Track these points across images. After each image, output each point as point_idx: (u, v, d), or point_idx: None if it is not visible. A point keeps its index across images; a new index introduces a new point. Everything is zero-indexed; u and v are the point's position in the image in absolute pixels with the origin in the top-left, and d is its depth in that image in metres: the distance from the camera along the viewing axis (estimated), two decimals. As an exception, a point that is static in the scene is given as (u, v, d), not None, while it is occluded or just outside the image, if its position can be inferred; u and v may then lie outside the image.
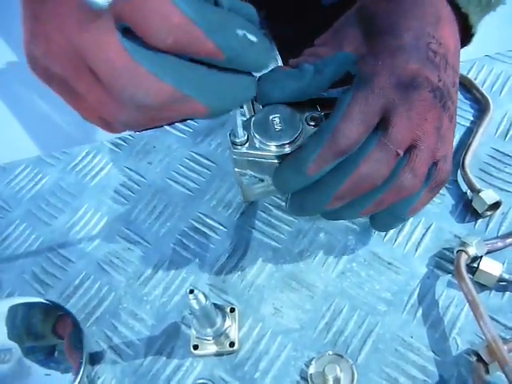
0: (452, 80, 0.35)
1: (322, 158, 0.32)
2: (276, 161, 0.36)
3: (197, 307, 0.36)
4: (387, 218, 0.37)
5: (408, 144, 0.33)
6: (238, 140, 0.35)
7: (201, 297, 0.36)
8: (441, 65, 0.34)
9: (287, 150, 0.35)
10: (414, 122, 0.33)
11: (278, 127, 0.36)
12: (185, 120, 0.56)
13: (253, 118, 0.36)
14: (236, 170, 0.38)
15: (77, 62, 0.25)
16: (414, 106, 0.32)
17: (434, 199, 0.46)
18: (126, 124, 0.28)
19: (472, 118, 0.52)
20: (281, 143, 0.35)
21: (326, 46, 0.36)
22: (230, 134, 0.36)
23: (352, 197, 0.34)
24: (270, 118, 0.36)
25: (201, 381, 0.39)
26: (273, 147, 0.35)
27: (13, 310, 0.41)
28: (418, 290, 0.42)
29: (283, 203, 0.48)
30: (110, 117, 0.28)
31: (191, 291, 0.35)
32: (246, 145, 0.36)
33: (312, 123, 0.36)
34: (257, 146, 0.36)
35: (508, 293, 0.41)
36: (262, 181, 0.38)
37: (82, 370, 0.38)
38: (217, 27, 0.25)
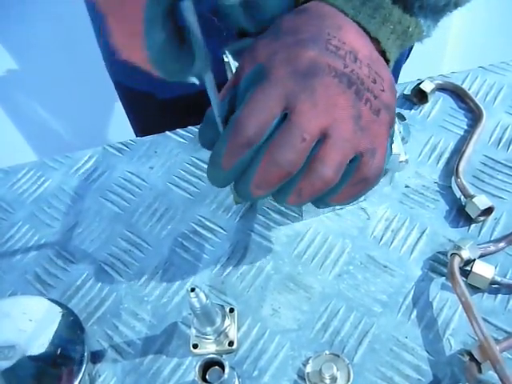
0: (372, 78, 0.34)
1: (231, 151, 0.33)
2: None
3: (197, 305, 0.37)
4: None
5: (318, 131, 0.32)
6: None
7: (202, 295, 0.37)
8: (347, 57, 0.34)
9: None
10: (321, 107, 0.32)
11: None
12: (186, 126, 0.57)
13: None
14: None
15: None
16: (316, 91, 0.32)
17: (429, 204, 0.48)
18: None
19: (466, 127, 0.53)
20: None
21: (241, 69, 0.36)
22: None
23: (270, 184, 0.33)
24: None
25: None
26: None
27: (17, 308, 0.41)
28: (412, 292, 0.43)
29: (282, 207, 0.49)
30: None
31: (192, 289, 0.36)
32: None
33: None
34: None
35: (500, 295, 0.42)
36: None
37: (83, 368, 0.39)
38: None
